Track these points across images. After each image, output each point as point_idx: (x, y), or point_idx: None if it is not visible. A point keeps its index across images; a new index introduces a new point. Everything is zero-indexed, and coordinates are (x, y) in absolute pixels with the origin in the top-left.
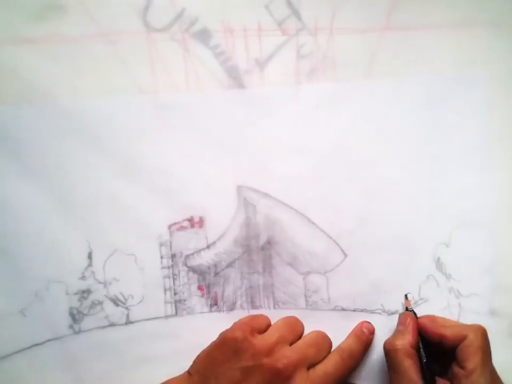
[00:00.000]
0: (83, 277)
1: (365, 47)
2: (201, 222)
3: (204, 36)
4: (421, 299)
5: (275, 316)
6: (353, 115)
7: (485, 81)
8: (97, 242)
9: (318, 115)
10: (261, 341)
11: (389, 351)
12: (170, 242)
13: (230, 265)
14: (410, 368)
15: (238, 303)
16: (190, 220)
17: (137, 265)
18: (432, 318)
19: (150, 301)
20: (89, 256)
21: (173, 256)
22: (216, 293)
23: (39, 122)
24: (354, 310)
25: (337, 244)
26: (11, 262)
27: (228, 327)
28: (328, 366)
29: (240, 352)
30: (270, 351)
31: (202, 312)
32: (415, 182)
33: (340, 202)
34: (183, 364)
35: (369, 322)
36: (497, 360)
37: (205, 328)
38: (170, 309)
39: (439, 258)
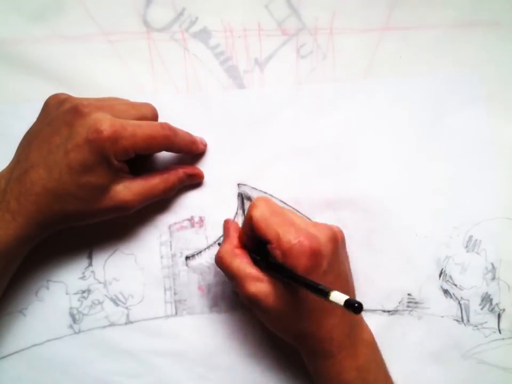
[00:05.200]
0: (83, 277)
1: (365, 47)
2: (201, 222)
3: (204, 35)
4: (421, 299)
5: None
6: (353, 115)
7: (484, 81)
8: (97, 242)
9: (318, 115)
10: (73, 96)
11: (217, 262)
12: (170, 242)
13: None
14: (240, 266)
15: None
16: (190, 220)
17: (137, 265)
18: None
19: (150, 300)
20: (89, 255)
21: (173, 256)
22: (216, 293)
23: None
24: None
25: None
26: None
27: (228, 327)
28: (144, 123)
29: (49, 109)
30: (77, 99)
31: (202, 312)
32: (415, 182)
33: (340, 202)
34: (183, 364)
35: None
36: (500, 359)
37: (205, 328)
38: (170, 309)
39: (439, 259)
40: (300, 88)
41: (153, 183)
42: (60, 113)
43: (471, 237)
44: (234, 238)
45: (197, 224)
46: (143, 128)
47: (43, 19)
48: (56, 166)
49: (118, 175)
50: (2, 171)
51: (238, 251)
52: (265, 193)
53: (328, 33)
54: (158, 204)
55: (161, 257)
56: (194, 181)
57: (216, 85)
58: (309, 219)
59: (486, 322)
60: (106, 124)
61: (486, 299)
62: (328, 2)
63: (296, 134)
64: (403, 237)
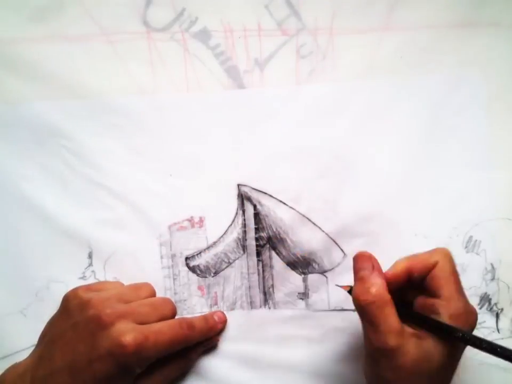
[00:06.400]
0: (83, 277)
1: (365, 47)
2: (201, 222)
3: (204, 35)
4: None
5: (275, 316)
6: (353, 115)
7: (485, 81)
8: (97, 242)
9: (318, 115)
10: (94, 295)
11: (362, 302)
12: (170, 242)
13: (230, 265)
14: (390, 315)
15: (238, 303)
16: (190, 220)
17: (138, 265)
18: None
19: None
20: (90, 256)
21: (173, 256)
22: (216, 293)
23: (39, 122)
24: (354, 310)
25: (337, 244)
26: (12, 262)
27: (228, 327)
28: (164, 325)
29: (71, 309)
30: (99, 304)
31: (202, 312)
32: (415, 182)
33: (340, 202)
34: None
35: (223, 313)
36: (499, 359)
37: None
38: None
39: None
40: (300, 88)
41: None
42: (83, 319)
43: (471, 237)
44: (383, 280)
45: (197, 224)
46: (165, 334)
47: (43, 19)
48: (80, 373)
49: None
50: (25, 362)
51: (388, 297)
52: (265, 193)
53: (328, 33)
54: (158, 204)
55: (161, 257)
56: (210, 346)
57: (216, 85)
58: None
59: (484, 322)
60: (129, 336)
61: (485, 299)
62: (328, 2)
63: (296, 134)
64: (403, 237)
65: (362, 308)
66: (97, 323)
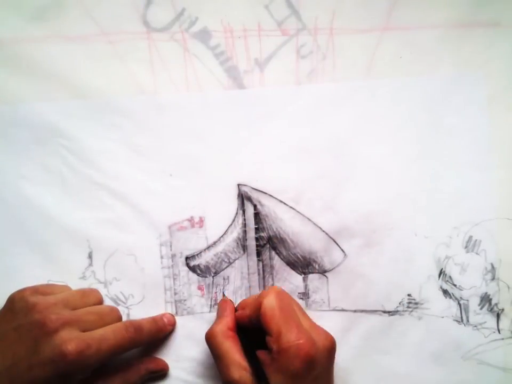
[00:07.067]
0: (84, 277)
1: (365, 47)
2: (201, 222)
3: (203, 35)
4: (421, 299)
5: None
6: (353, 115)
7: (485, 81)
8: (97, 242)
9: (318, 115)
10: (40, 299)
11: (208, 338)
12: (170, 242)
13: (230, 265)
14: (230, 349)
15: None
16: (190, 220)
17: (138, 265)
18: (241, 303)
19: (150, 300)
20: (90, 256)
21: (173, 256)
22: (216, 293)
23: (39, 122)
24: (354, 311)
25: (337, 244)
26: (12, 262)
27: None
28: (108, 330)
29: (16, 311)
30: (45, 309)
31: (202, 312)
32: (416, 182)
33: (340, 202)
34: (183, 363)
35: (173, 316)
36: (500, 359)
37: (205, 328)
38: (170, 309)
39: (439, 259)
40: (300, 88)
41: None
42: (27, 323)
43: (470, 237)
44: (230, 319)
45: (197, 224)
46: (108, 339)
47: (43, 19)
48: (19, 378)
49: None
50: None
51: (231, 333)
52: (265, 193)
53: (328, 33)
54: (158, 204)
55: (161, 257)
56: (158, 374)
57: (216, 85)
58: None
59: (485, 322)
60: (71, 345)
61: (485, 299)
62: (328, 2)
63: (296, 134)
64: (403, 237)
65: (207, 342)
66: (41, 328)
